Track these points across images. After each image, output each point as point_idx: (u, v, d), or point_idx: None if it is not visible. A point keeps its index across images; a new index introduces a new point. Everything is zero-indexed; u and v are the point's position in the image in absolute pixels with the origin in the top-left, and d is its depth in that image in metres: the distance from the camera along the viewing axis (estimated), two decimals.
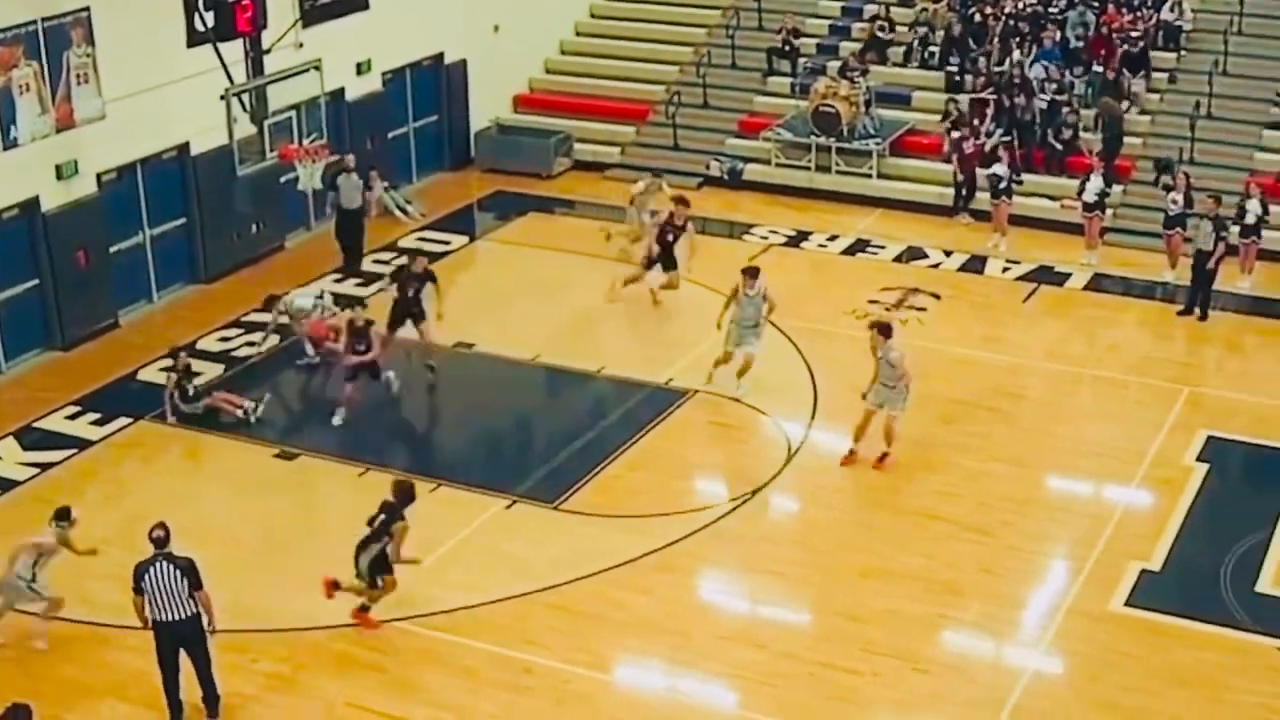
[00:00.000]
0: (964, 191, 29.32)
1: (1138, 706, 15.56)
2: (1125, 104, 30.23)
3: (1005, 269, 27.09)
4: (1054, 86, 30.28)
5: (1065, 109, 29.99)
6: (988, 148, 29.29)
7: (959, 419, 21.35)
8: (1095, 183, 27.21)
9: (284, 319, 23.28)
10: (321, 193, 26.41)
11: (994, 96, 30.31)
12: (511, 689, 15.86)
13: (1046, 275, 26.75)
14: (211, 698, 15.35)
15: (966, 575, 17.90)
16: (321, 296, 23.79)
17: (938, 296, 25.82)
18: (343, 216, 26.70)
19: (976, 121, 29.83)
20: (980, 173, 28.79)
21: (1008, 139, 29.48)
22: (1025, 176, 28.72)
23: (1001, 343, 24.26)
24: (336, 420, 21.26)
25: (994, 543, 18.53)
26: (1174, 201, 26.34)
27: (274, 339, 23.58)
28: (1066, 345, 24.27)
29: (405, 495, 16.64)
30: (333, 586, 16.68)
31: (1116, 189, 28.48)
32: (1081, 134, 29.96)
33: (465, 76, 32.17)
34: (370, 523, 16.53)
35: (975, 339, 24.16)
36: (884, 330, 19.93)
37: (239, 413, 21.32)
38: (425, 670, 16.17)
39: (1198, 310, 24.99)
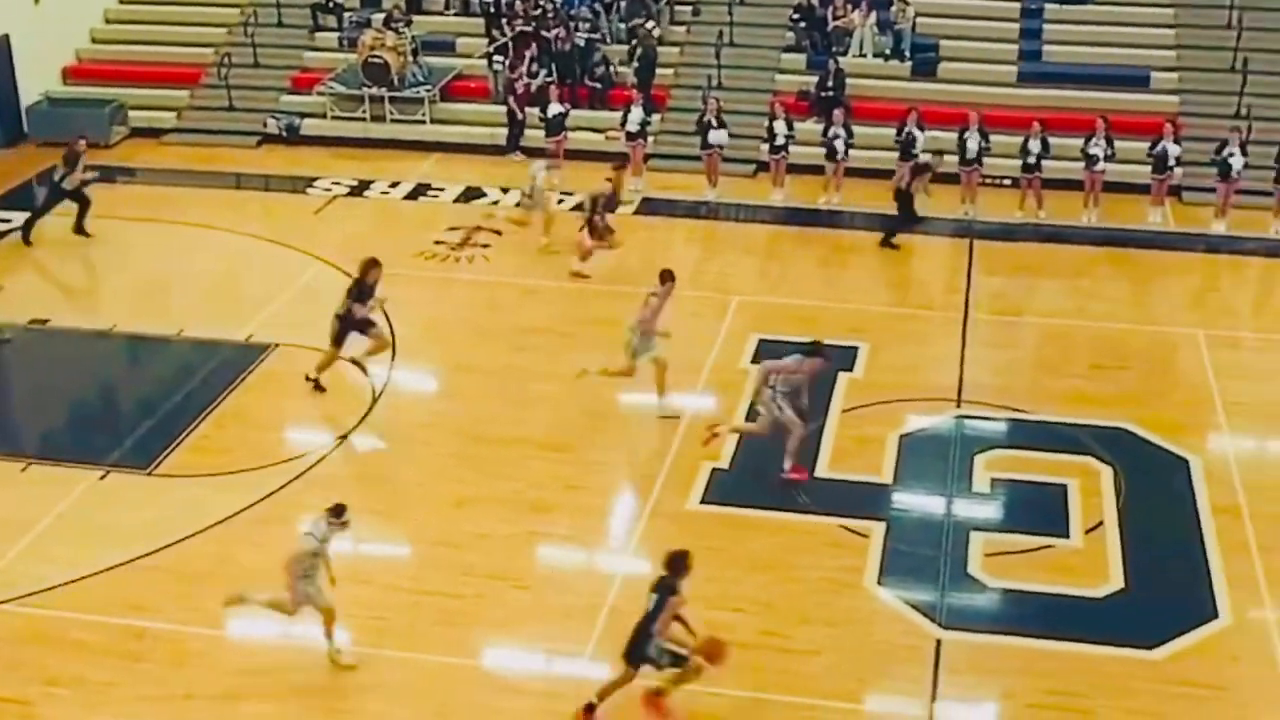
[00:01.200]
0: (517, 130, 30.40)
1: (720, 593, 16.77)
2: (653, 25, 31.73)
3: (560, 201, 28.19)
4: (587, 25, 31.64)
5: (600, 63, 31.39)
6: (534, 87, 30.39)
7: (531, 347, 22.31)
8: (636, 113, 28.69)
9: None
10: None
11: (530, 29, 31.39)
12: (127, 656, 15.91)
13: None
14: None
15: (553, 493, 18.84)
16: None
17: (499, 233, 26.78)
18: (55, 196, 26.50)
19: (521, 62, 30.90)
20: (532, 111, 29.92)
21: (551, 79, 30.67)
22: (572, 111, 29.96)
23: (564, 270, 25.32)
24: None
25: (576, 459, 19.56)
26: (710, 126, 28.09)
27: None
28: (624, 267, 25.48)
29: (677, 566, 14.67)
30: (654, 698, 14.95)
31: (655, 118, 30.04)
32: (617, 68, 31.47)
33: (9, 51, 31.37)
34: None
35: (539, 269, 25.21)
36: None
37: None
38: (35, 649, 15.93)
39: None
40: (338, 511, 15.65)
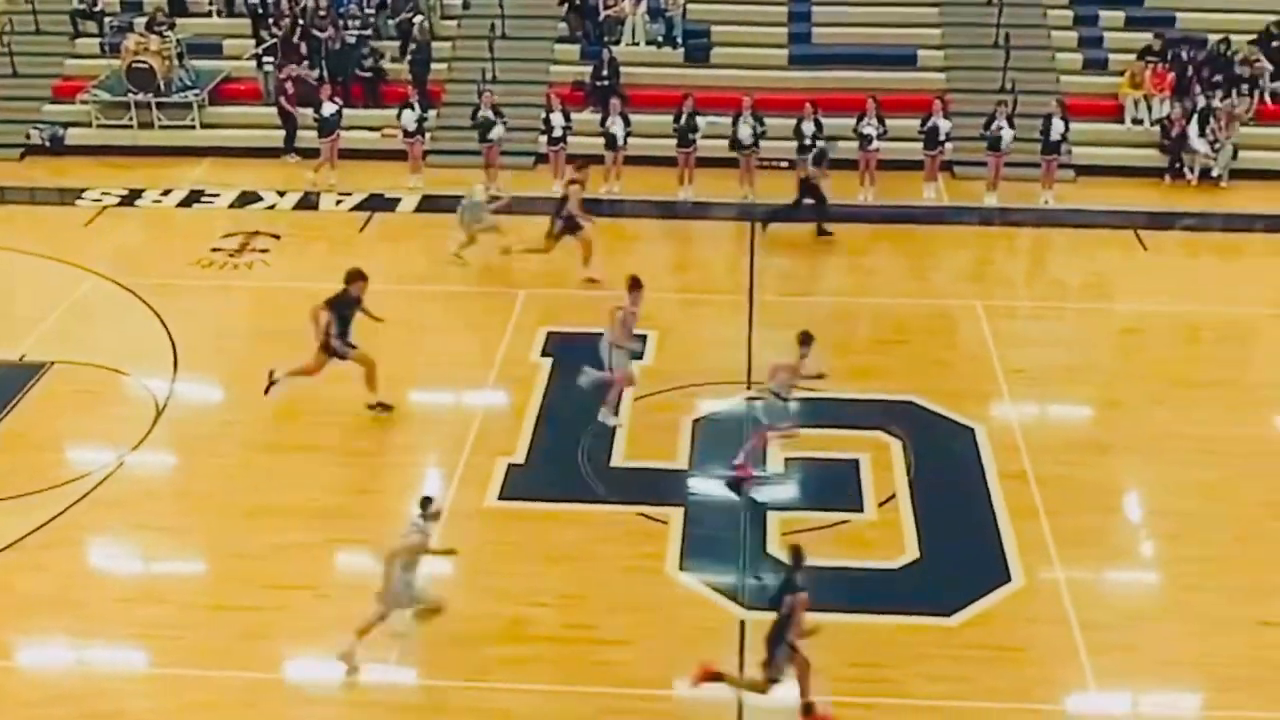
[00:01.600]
0: (291, 131, 29.94)
1: (524, 588, 16.80)
2: (421, 19, 31.46)
3: (339, 202, 27.98)
4: (357, 23, 31.28)
5: (369, 55, 31.01)
6: (284, 84, 29.89)
7: None
8: (412, 110, 28.46)
9: None
10: None
11: (300, 28, 30.93)
12: None
13: (379, 203, 27.89)
14: None
15: (349, 498, 18.62)
16: None
17: (278, 237, 26.38)
18: None
19: (290, 63, 30.43)
20: (305, 111, 29.45)
21: (323, 78, 30.25)
22: (346, 110, 29.57)
23: (343, 272, 25.01)
24: None
25: (370, 462, 19.38)
26: (487, 119, 28.01)
27: None
28: (410, 266, 25.33)
29: (800, 559, 14.70)
30: (709, 677, 14.83)
31: (432, 114, 29.81)
32: (389, 64, 31.19)
33: None
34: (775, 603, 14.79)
35: (321, 272, 24.68)
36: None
37: None
38: None
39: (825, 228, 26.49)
40: (425, 504, 15.50)
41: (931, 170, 28.31)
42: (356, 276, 20.01)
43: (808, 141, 27.56)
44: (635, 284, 20.04)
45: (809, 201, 26.24)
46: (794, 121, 27.74)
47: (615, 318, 19.86)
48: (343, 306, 19.94)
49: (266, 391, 20.16)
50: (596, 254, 24.40)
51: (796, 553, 14.73)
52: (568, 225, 24.24)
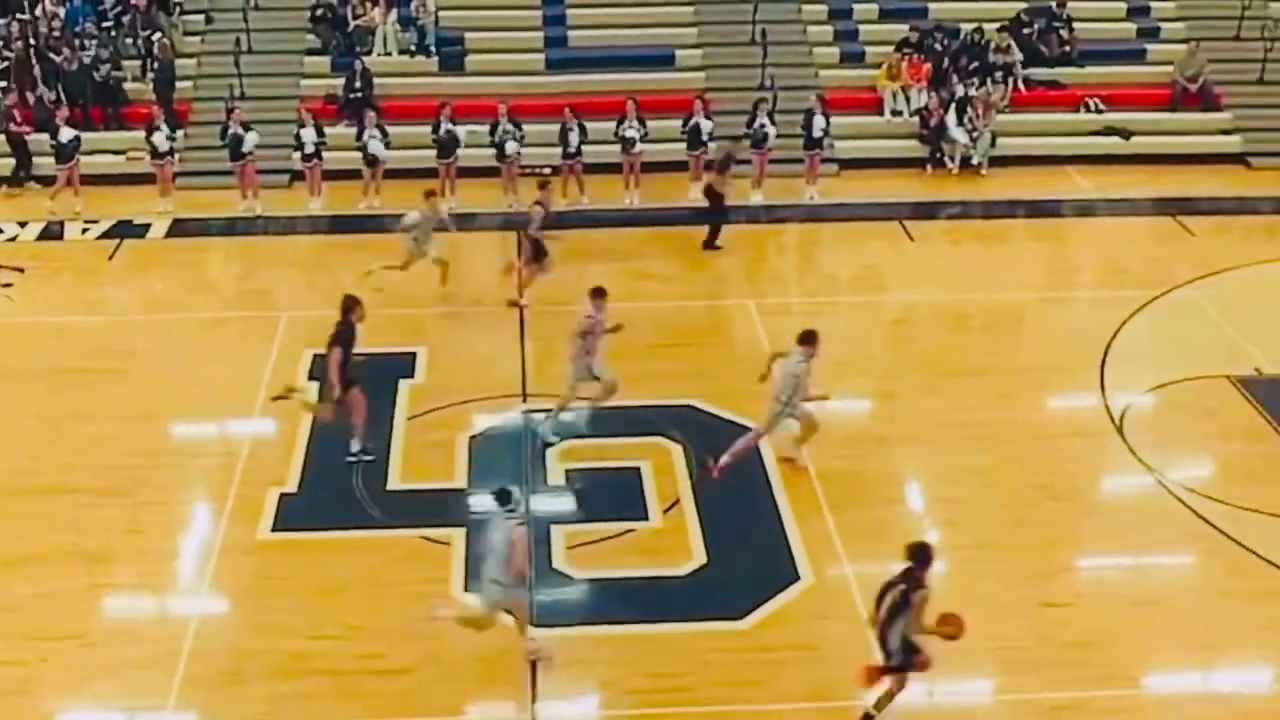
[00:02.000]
0: (25, 159, 28.78)
1: (306, 621, 16.18)
2: (160, 36, 30.46)
3: (85, 230, 26.97)
4: (95, 42, 30.16)
5: (107, 61, 29.89)
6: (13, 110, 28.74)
7: (69, 386, 21.07)
8: (160, 131, 27.47)
9: None
10: None
11: (32, 49, 29.80)
12: None
13: (128, 230, 26.96)
14: None
15: (114, 540, 17.78)
16: None
17: (21, 270, 25.33)
18: None
19: (24, 88, 29.27)
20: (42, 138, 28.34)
21: (59, 102, 29.14)
22: (87, 135, 28.47)
23: (97, 303, 24.31)
24: None
25: (133, 502, 18.51)
26: (239, 135, 27.22)
27: None
28: (161, 295, 24.53)
29: (921, 557, 14.16)
30: (878, 674, 14.47)
31: (180, 134, 28.84)
32: (131, 84, 30.15)
33: None
34: (879, 599, 14.37)
35: (69, 304, 23.98)
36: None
37: None
38: None
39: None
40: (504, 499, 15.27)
41: (696, 170, 28.27)
42: (354, 304, 19.01)
43: (571, 148, 27.38)
44: (599, 293, 19.59)
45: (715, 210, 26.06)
46: (555, 127, 27.56)
47: (581, 328, 19.47)
48: (348, 338, 18.95)
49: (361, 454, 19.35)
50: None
51: (916, 551, 14.28)
52: (537, 249, 23.58)
